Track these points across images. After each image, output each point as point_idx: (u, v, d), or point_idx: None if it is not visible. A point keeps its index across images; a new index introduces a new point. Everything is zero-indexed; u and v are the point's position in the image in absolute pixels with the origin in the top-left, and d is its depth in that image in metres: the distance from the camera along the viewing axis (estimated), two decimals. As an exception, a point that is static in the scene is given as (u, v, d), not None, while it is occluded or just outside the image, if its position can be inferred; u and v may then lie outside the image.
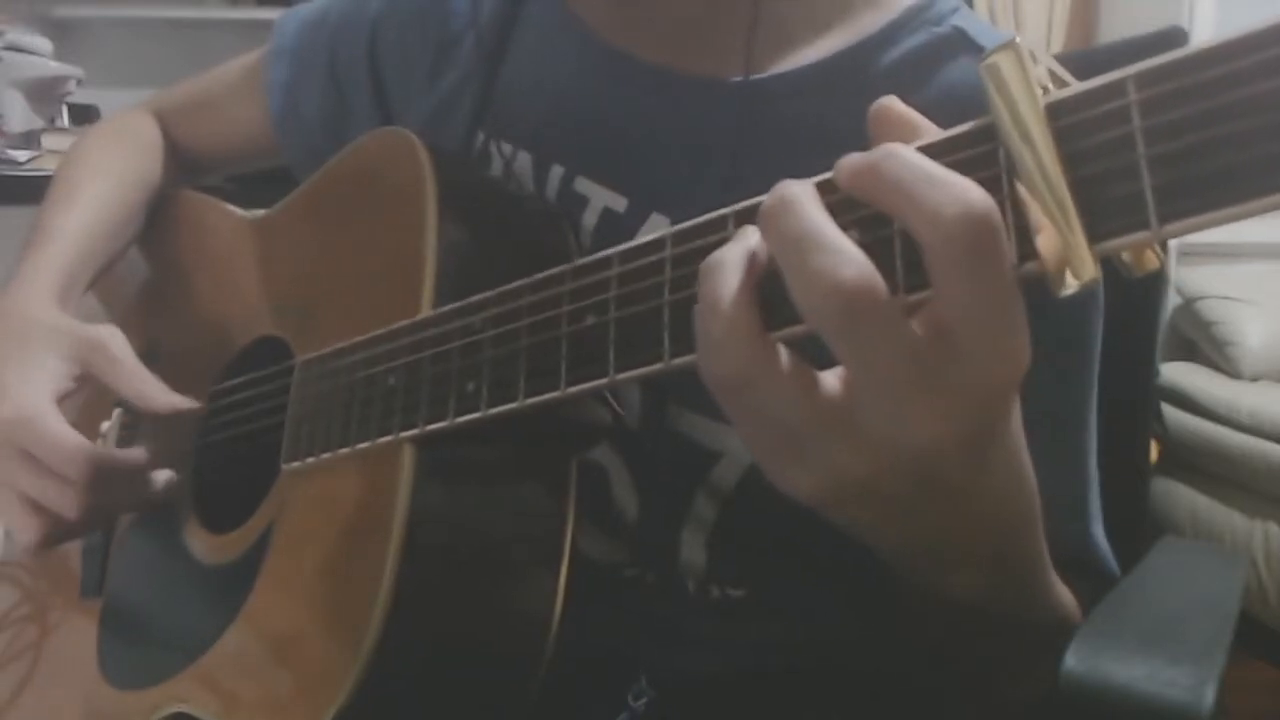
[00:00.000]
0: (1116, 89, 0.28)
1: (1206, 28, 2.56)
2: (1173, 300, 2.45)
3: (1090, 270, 0.28)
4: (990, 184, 0.29)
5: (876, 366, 0.29)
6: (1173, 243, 2.01)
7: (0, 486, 0.58)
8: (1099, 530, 0.56)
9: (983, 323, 0.29)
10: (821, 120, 0.54)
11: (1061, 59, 0.46)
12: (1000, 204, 0.29)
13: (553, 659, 0.49)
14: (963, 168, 0.30)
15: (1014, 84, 0.29)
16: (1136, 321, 0.73)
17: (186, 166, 0.82)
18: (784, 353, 0.32)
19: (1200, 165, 0.26)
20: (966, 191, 0.28)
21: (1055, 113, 0.29)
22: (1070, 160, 0.28)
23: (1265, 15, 0.25)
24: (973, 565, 0.41)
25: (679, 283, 0.37)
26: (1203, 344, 2.38)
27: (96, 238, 0.70)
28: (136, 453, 0.59)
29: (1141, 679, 0.46)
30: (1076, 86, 0.29)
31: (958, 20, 0.55)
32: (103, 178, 0.74)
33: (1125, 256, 0.31)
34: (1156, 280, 0.79)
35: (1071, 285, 0.28)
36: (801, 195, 0.30)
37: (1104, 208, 0.28)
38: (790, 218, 0.30)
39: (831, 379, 0.32)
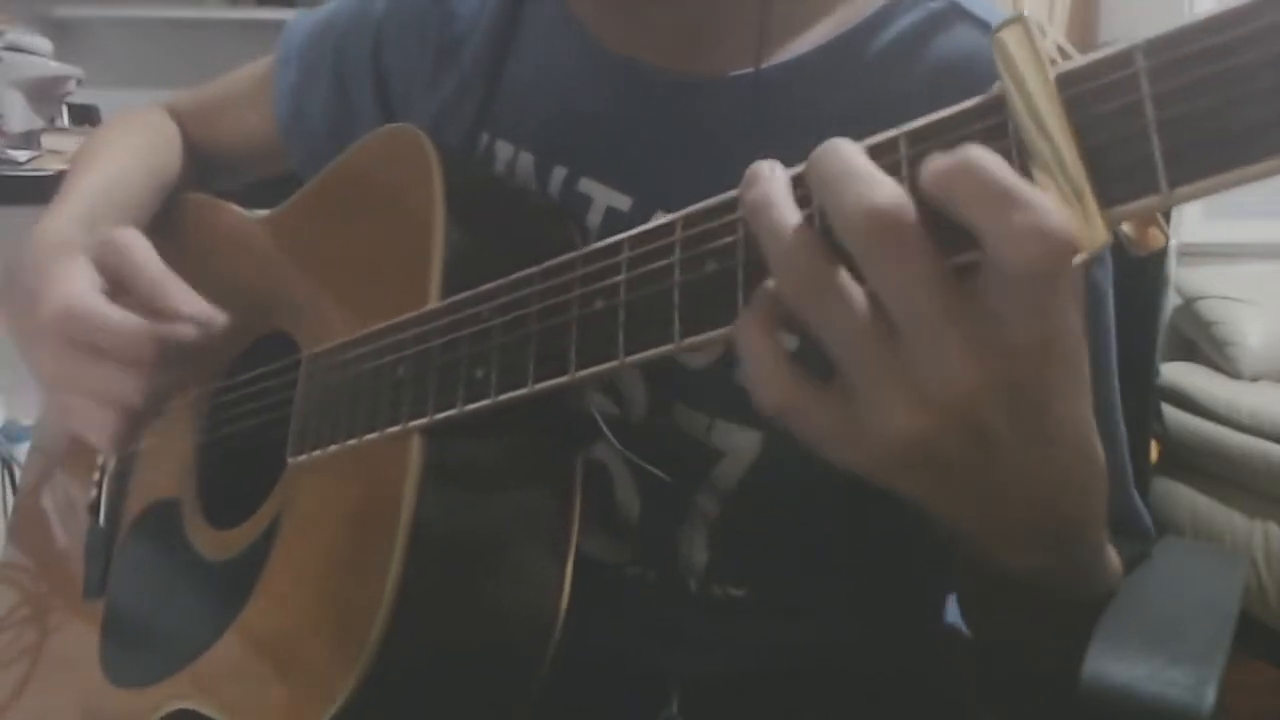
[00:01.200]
0: (1124, 58, 0.28)
1: (1206, 28, 2.56)
2: (1173, 300, 2.45)
3: (1102, 235, 0.29)
4: (1002, 154, 0.30)
5: (910, 294, 0.30)
6: (1173, 242, 2.00)
7: (65, 391, 0.56)
8: (1134, 489, 0.57)
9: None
10: (823, 106, 0.55)
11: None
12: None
13: (556, 657, 0.49)
14: (973, 140, 0.30)
15: (1023, 56, 0.30)
16: (1136, 321, 0.72)
17: (201, 167, 0.82)
18: (844, 271, 0.32)
19: (1208, 128, 0.27)
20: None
21: (1065, 83, 0.29)
22: (1080, 129, 0.29)
23: None
24: (1036, 544, 0.40)
25: (689, 264, 0.37)
26: (1203, 344, 2.38)
27: (114, 199, 0.70)
28: (187, 326, 0.56)
29: (1141, 679, 0.46)
30: (1085, 57, 0.30)
31: None
32: (124, 151, 0.74)
33: (1129, 232, 0.31)
34: (1156, 280, 0.79)
35: (1084, 252, 0.29)
36: (840, 141, 0.32)
37: (1114, 174, 0.28)
38: (831, 158, 0.32)
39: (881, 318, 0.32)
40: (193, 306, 0.56)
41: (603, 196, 0.58)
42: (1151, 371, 0.77)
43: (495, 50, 0.64)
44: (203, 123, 0.81)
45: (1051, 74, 0.29)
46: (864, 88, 0.54)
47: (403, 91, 0.69)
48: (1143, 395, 0.76)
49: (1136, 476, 0.59)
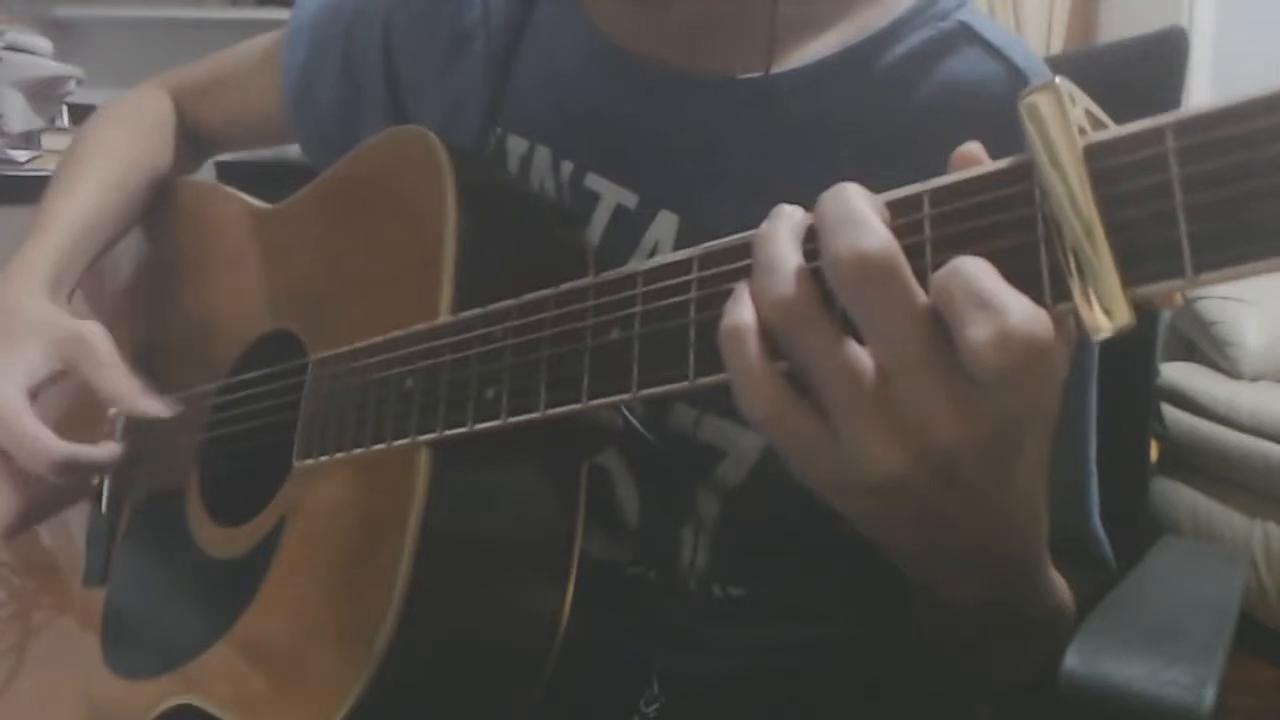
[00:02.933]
0: (1154, 135, 0.28)
1: (1206, 28, 2.56)
2: (1173, 300, 2.45)
3: (1124, 315, 0.28)
4: (1026, 223, 0.30)
5: (893, 341, 0.31)
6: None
7: None
8: (1097, 520, 0.57)
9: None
10: (830, 115, 0.55)
11: (1062, 58, 0.46)
12: (1034, 243, 0.30)
13: (559, 658, 0.49)
14: (999, 206, 0.30)
15: (1053, 124, 0.29)
16: (1136, 321, 0.73)
17: (198, 145, 0.82)
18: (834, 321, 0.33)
19: (1237, 217, 0.26)
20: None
21: (1093, 155, 0.29)
22: (1106, 203, 0.28)
23: (1265, 17, 0.25)
24: (983, 568, 0.41)
25: (705, 303, 0.37)
26: (1203, 344, 2.38)
27: (93, 224, 0.71)
28: (102, 450, 0.61)
29: (1141, 679, 0.46)
30: (1114, 130, 0.29)
31: (963, 15, 0.55)
32: (107, 161, 0.74)
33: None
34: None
35: (1106, 330, 0.28)
36: (846, 186, 0.32)
37: (1139, 253, 0.28)
38: (833, 200, 0.32)
39: (867, 359, 0.32)
40: (141, 405, 0.61)
41: (610, 193, 0.58)
42: (1151, 371, 0.77)
43: (507, 43, 0.64)
44: (203, 99, 0.81)
45: (1080, 144, 0.29)
46: (871, 101, 0.54)
47: (414, 81, 0.69)
48: (1143, 395, 0.76)
49: (1136, 477, 0.59)
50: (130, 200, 0.74)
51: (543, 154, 0.61)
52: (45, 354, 0.61)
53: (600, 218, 0.58)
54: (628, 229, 0.57)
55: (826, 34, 0.57)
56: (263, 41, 0.79)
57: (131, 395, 0.61)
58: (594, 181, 0.58)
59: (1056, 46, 2.74)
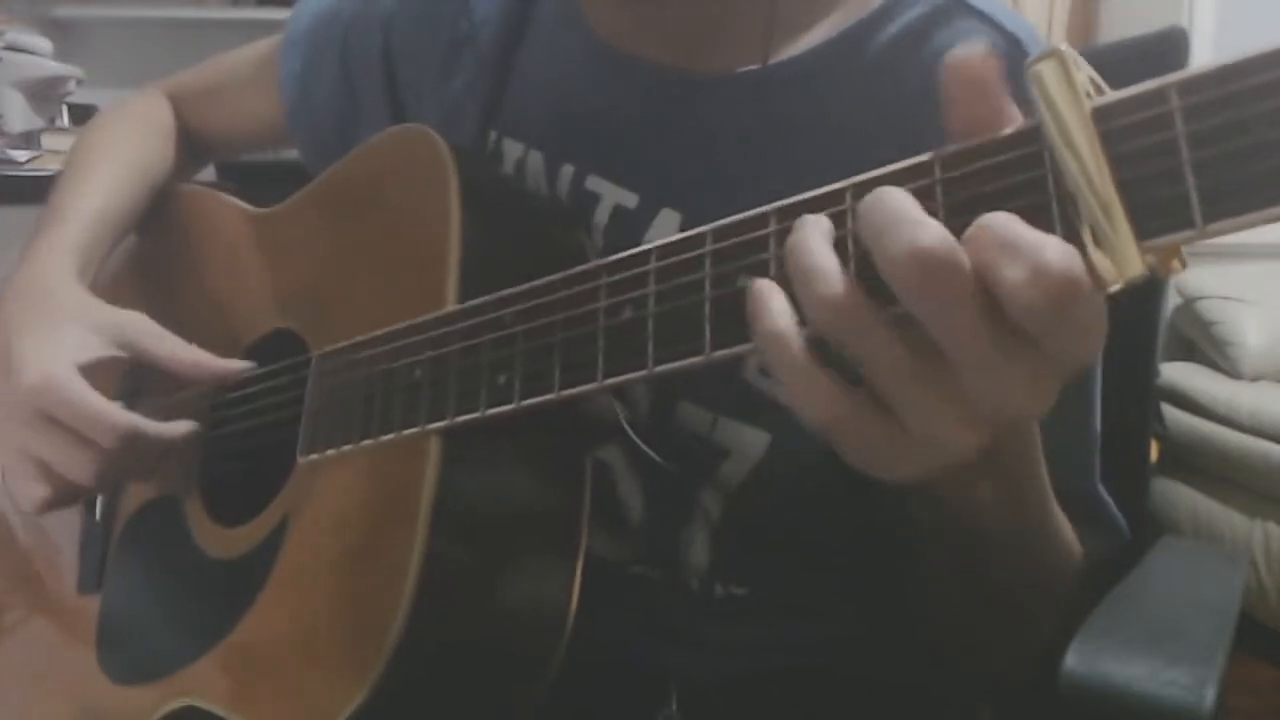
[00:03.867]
0: (1159, 96, 0.29)
1: (1206, 27, 2.57)
2: (1173, 300, 2.45)
3: (1137, 267, 0.29)
4: (1038, 184, 0.31)
5: (960, 331, 0.31)
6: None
7: (12, 451, 0.58)
8: (1100, 485, 0.58)
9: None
10: (827, 102, 0.55)
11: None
12: (1047, 203, 0.31)
13: (564, 656, 0.49)
14: (1009, 169, 0.31)
15: (1059, 90, 0.30)
16: (1136, 321, 0.73)
17: (198, 150, 0.82)
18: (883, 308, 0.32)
19: (1241, 169, 0.27)
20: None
21: (1101, 117, 0.30)
22: (1115, 162, 0.29)
23: (1264, 15, 0.26)
24: (989, 469, 0.42)
25: (719, 280, 0.37)
26: (1203, 344, 2.38)
27: (107, 223, 0.70)
28: (172, 426, 0.59)
29: (1141, 679, 0.46)
30: (1120, 92, 0.30)
31: None
32: (113, 161, 0.74)
33: (1153, 261, 0.31)
34: (1156, 280, 0.79)
35: (1118, 282, 0.29)
36: (888, 190, 0.32)
37: (1149, 208, 0.29)
38: (878, 205, 0.32)
39: (931, 345, 0.32)
40: (222, 368, 0.61)
41: (610, 194, 0.58)
42: (1151, 371, 0.77)
43: (504, 47, 0.64)
44: (201, 105, 0.81)
45: (1088, 106, 0.30)
46: (868, 83, 0.54)
47: (413, 87, 0.69)
48: (1143, 395, 0.76)
49: (1136, 477, 0.59)
50: (136, 200, 0.74)
51: (536, 159, 0.61)
52: (95, 334, 0.60)
53: (600, 218, 0.58)
54: (629, 229, 0.57)
55: (821, 23, 0.57)
56: (259, 49, 0.79)
57: (212, 361, 0.60)
58: (594, 183, 0.59)
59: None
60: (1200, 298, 2.38)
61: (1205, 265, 2.46)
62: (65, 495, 0.59)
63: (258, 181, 0.79)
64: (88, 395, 0.57)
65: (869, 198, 0.32)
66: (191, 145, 0.81)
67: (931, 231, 0.30)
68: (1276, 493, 1.99)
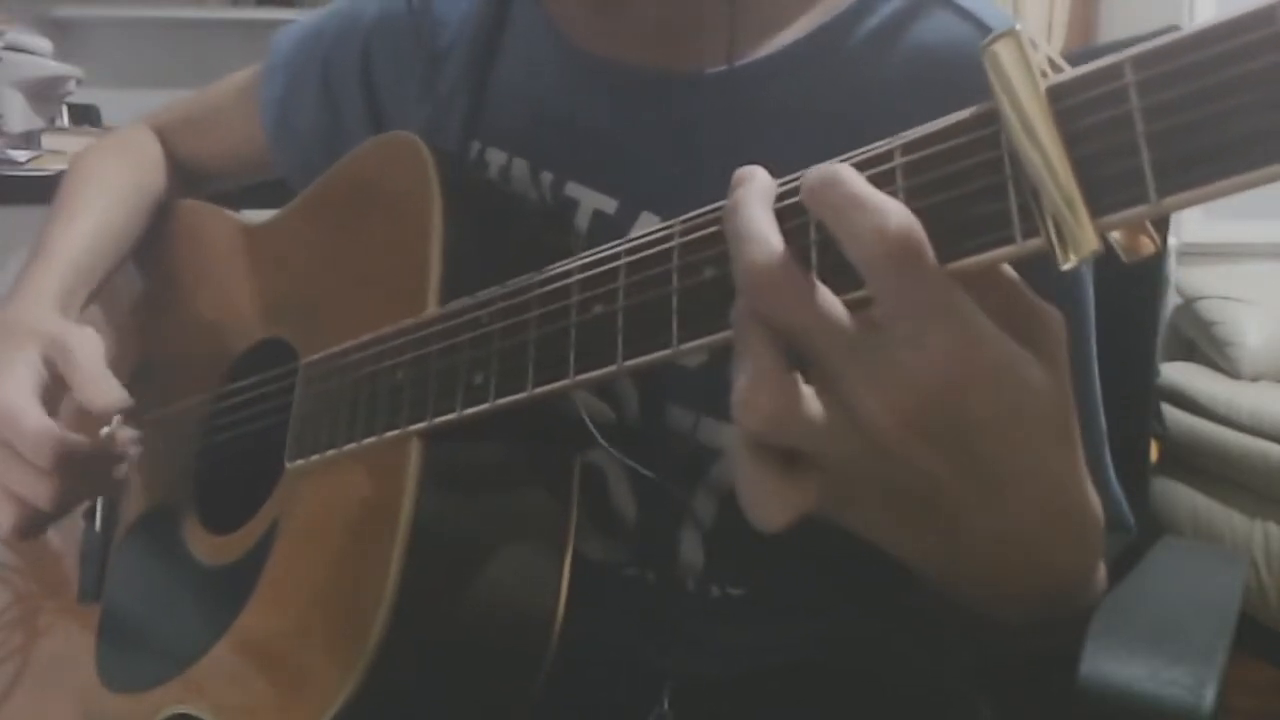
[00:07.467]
0: (1114, 71, 0.29)
1: (1206, 27, 2.56)
2: (1173, 300, 2.45)
3: (1092, 243, 0.29)
4: (993, 165, 0.31)
5: (919, 303, 0.31)
6: (1172, 242, 2.00)
7: None
8: (1114, 481, 0.57)
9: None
10: (803, 98, 0.55)
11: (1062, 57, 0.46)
12: (1003, 183, 0.31)
13: (555, 659, 0.49)
14: (966, 151, 0.31)
15: (1015, 69, 0.30)
16: (1136, 321, 0.73)
17: (187, 180, 0.82)
18: (819, 286, 0.33)
19: (1195, 141, 0.27)
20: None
21: (1055, 95, 0.30)
22: (1071, 140, 0.29)
23: None
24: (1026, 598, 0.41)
25: (686, 270, 0.38)
26: (1203, 344, 2.38)
27: (96, 254, 0.71)
28: (103, 434, 0.59)
29: (1142, 679, 0.46)
30: (1075, 70, 0.30)
31: None
32: (104, 192, 0.74)
33: (1120, 239, 0.32)
34: (1156, 280, 0.79)
35: (1073, 259, 0.29)
36: (840, 168, 0.32)
37: (1104, 184, 0.29)
38: (834, 186, 0.32)
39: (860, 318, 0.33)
40: (107, 401, 0.58)
41: (589, 199, 0.58)
42: (1151, 371, 0.77)
43: (481, 58, 0.64)
44: (187, 137, 0.82)
45: (1043, 86, 0.30)
46: (844, 79, 0.54)
47: (394, 101, 0.69)
48: (1143, 395, 0.76)
49: (1136, 477, 0.59)
50: (128, 230, 0.74)
51: (520, 166, 0.61)
52: (37, 357, 0.60)
53: (581, 224, 0.58)
54: (609, 234, 0.57)
55: (797, 20, 0.57)
56: (240, 78, 0.80)
57: (107, 396, 0.58)
58: (573, 189, 0.59)
59: (1057, 45, 2.74)
60: (1200, 298, 2.38)
61: (1205, 265, 2.46)
62: (32, 520, 0.58)
63: (253, 192, 0.80)
64: (22, 416, 0.56)
65: (819, 177, 0.32)
66: (183, 175, 0.82)
67: (896, 215, 0.30)
68: (1276, 493, 1.99)
